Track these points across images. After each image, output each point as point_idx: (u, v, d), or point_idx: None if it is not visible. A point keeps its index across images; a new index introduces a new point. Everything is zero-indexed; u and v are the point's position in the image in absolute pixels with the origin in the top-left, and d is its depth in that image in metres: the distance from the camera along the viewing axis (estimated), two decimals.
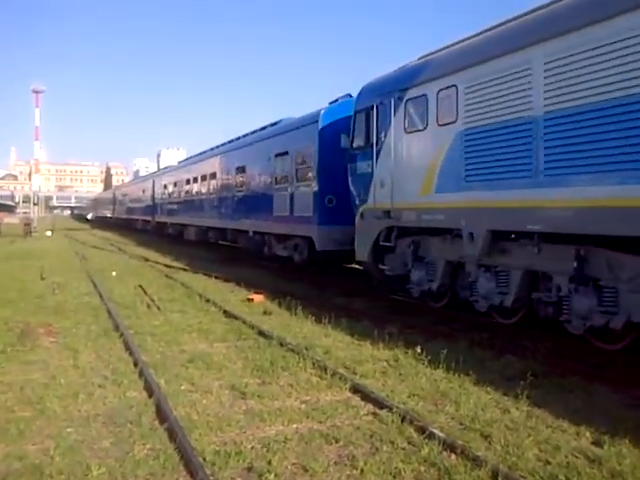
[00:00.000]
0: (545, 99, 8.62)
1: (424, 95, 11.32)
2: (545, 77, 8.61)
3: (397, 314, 12.39)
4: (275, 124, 20.70)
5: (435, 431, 5.81)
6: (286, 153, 17.80)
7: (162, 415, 6.35)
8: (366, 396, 7.03)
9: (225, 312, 12.34)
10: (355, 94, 15.42)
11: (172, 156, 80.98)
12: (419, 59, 12.12)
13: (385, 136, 12.46)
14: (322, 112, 15.79)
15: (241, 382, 7.61)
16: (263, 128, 21.95)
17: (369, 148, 13.01)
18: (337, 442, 5.80)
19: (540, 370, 7.98)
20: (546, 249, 9.00)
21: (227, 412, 6.59)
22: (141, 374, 7.84)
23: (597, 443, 5.78)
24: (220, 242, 28.11)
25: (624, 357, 8.59)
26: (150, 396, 7.01)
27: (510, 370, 8.09)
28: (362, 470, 5.18)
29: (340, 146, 15.33)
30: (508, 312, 10.29)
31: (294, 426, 6.21)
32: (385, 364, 8.46)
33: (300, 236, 16.88)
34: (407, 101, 11.83)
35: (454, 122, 10.48)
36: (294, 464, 5.35)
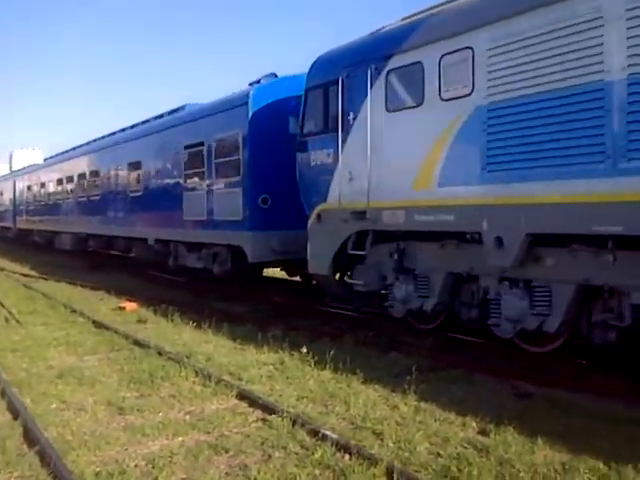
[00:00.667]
0: (629, 56, 6.45)
1: (418, 63, 8.90)
2: (629, 28, 6.44)
3: (280, 317, 12.21)
4: (177, 110, 17.55)
5: (327, 433, 5.76)
6: (200, 144, 14.76)
7: (31, 438, 5.84)
8: (254, 402, 6.85)
9: (94, 322, 11.57)
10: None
11: (27, 157, 74.01)
12: (404, 20, 9.66)
13: (356, 117, 9.93)
14: (252, 92, 12.99)
15: (118, 396, 7.20)
16: (159, 116, 18.72)
17: (331, 133, 10.44)
18: (227, 452, 5.61)
19: (425, 365, 8.20)
20: (623, 257, 6.81)
21: (105, 429, 6.16)
22: (3, 394, 7.24)
23: (483, 432, 5.90)
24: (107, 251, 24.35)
25: (503, 348, 8.74)
26: (15, 418, 6.45)
27: (396, 367, 8.16)
28: (255, 479, 5.04)
29: (276, 134, 12.67)
30: (544, 338, 8.06)
31: (179, 439, 5.93)
32: (271, 368, 8.32)
33: (222, 245, 13.95)
34: (390, 72, 9.37)
35: (468, 95, 8.14)
36: (183, 479, 5.10)
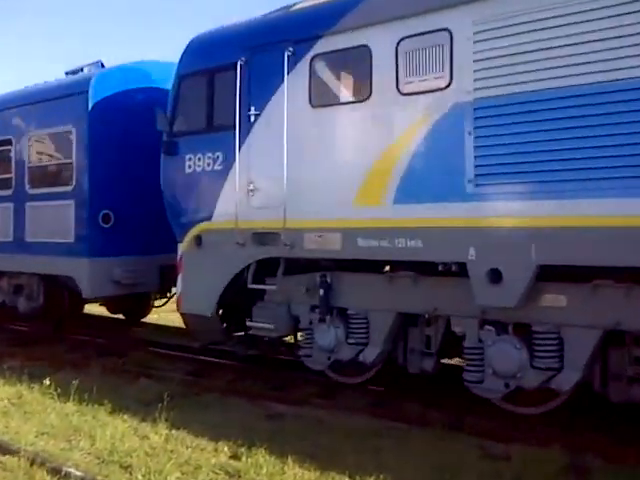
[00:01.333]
0: None
1: (363, 47, 7.03)
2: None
3: (20, 346, 11.11)
4: None
5: (70, 470, 5.36)
6: (7, 142, 11.28)
7: None
8: None
9: None
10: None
11: None
12: None
13: (261, 113, 7.78)
14: (95, 78, 10.05)
15: None
16: None
17: (221, 132, 8.19)
18: None
19: (178, 391, 7.84)
20: None
21: None
22: None
23: (235, 456, 5.80)
24: None
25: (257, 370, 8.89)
26: None
27: (147, 394, 7.77)
28: None
29: (124, 133, 9.94)
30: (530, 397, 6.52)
31: None
32: (7, 403, 7.67)
33: (36, 274, 10.64)
34: (317, 57, 7.38)
35: (444, 88, 6.45)
36: None
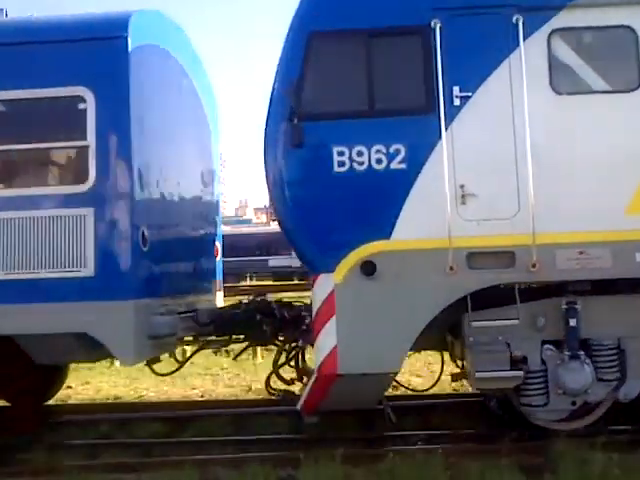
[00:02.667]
0: None
1: (626, 28, 6.04)
2: None
3: None
4: None
5: None
6: None
7: None
8: None
9: None
10: None
11: None
12: None
13: (474, 95, 6.06)
14: (133, 19, 6.40)
15: None
16: None
17: (404, 117, 6.10)
18: None
19: None
20: None
21: None
22: None
23: None
24: None
25: None
26: None
27: None
28: None
29: (162, 109, 6.75)
30: None
31: None
32: None
33: None
34: (555, 33, 6.07)
35: None
36: None
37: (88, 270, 6.12)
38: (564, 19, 6.04)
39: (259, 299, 7.33)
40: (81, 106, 6.24)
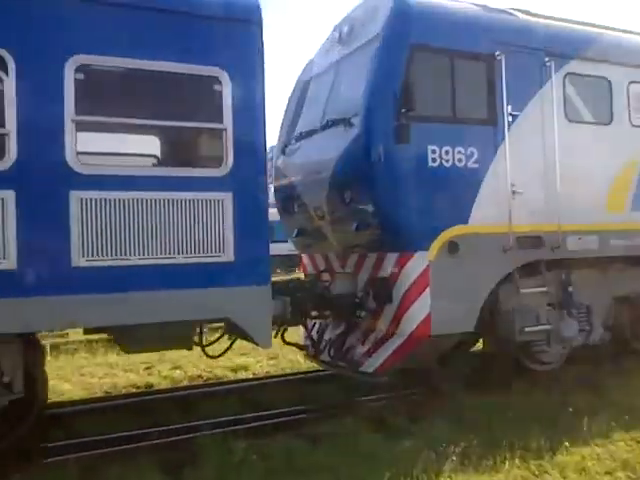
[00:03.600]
0: None
1: (604, 79, 8.59)
2: None
3: None
4: None
5: None
6: None
7: None
8: None
9: None
10: None
11: None
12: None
13: (521, 115, 7.99)
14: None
15: None
16: None
17: (476, 126, 7.77)
18: None
19: None
20: None
21: None
22: None
23: None
24: None
25: None
26: None
27: None
28: None
29: None
30: None
31: None
32: None
33: None
34: (569, 76, 8.35)
35: None
36: None
37: (227, 256, 6.36)
38: (573, 66, 8.29)
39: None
40: (216, 87, 6.44)
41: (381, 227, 7.47)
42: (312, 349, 8.48)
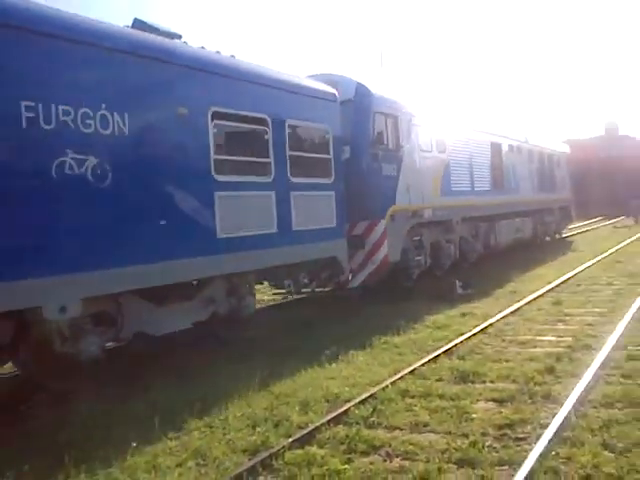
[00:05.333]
0: None
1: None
2: None
3: None
4: None
5: None
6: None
7: None
8: None
9: None
10: None
11: None
12: None
13: (407, 147, 15.85)
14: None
15: None
16: None
17: (397, 152, 15.51)
18: None
19: None
20: None
21: None
22: None
23: None
24: None
25: None
26: None
27: None
28: None
29: None
30: None
31: None
32: None
33: None
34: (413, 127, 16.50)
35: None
36: None
37: (334, 224, 13.06)
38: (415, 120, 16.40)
39: None
40: (326, 135, 12.97)
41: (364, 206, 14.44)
42: None
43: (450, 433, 6.43)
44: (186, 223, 9.46)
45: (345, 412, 7.11)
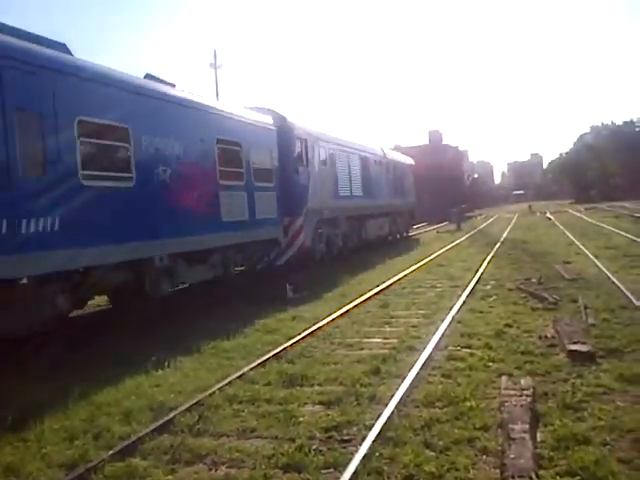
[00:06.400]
0: None
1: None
2: None
3: None
4: None
5: None
6: None
7: None
8: None
9: None
10: None
11: None
12: None
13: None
14: None
15: None
16: None
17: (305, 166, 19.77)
18: None
19: None
20: None
21: None
22: None
23: None
24: None
25: None
26: None
27: None
28: None
29: None
30: None
31: None
32: None
33: None
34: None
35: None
36: None
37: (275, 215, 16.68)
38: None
39: None
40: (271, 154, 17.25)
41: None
42: None
43: (277, 438, 6.42)
44: (208, 210, 14.56)
45: (170, 421, 6.93)
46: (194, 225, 13.69)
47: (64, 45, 10.75)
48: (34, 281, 9.61)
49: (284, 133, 18.67)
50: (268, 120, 18.27)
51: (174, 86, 14.18)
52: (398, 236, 35.57)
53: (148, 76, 13.47)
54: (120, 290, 12.41)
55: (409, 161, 39.84)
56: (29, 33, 10.07)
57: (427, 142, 77.12)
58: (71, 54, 10.91)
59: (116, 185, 11.40)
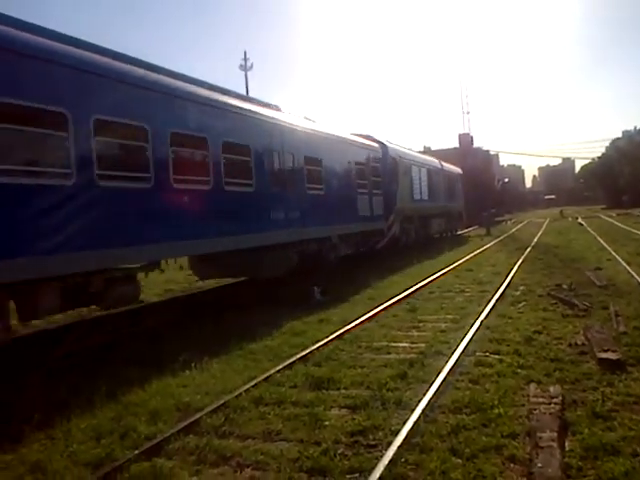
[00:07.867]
0: None
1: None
2: None
3: None
4: None
5: None
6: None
7: None
8: None
9: None
10: None
11: None
12: None
13: None
14: None
15: None
16: None
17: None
18: None
19: None
20: None
21: None
22: None
23: None
24: None
25: None
26: None
27: None
28: None
29: None
30: None
31: None
32: None
33: None
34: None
35: None
36: None
37: None
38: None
39: None
40: None
41: None
42: None
43: (303, 441, 6.41)
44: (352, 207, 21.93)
45: (196, 421, 6.96)
46: (348, 217, 21.36)
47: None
48: None
49: (384, 154, 26.37)
50: (375, 145, 25.95)
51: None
52: (449, 234, 42.87)
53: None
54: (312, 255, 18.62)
55: (458, 171, 47.69)
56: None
57: (457, 145, 76.57)
58: None
59: (317, 193, 18.92)
